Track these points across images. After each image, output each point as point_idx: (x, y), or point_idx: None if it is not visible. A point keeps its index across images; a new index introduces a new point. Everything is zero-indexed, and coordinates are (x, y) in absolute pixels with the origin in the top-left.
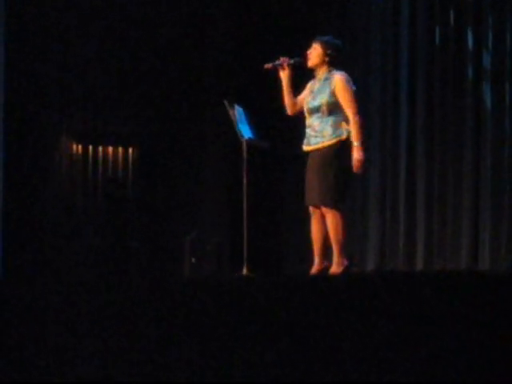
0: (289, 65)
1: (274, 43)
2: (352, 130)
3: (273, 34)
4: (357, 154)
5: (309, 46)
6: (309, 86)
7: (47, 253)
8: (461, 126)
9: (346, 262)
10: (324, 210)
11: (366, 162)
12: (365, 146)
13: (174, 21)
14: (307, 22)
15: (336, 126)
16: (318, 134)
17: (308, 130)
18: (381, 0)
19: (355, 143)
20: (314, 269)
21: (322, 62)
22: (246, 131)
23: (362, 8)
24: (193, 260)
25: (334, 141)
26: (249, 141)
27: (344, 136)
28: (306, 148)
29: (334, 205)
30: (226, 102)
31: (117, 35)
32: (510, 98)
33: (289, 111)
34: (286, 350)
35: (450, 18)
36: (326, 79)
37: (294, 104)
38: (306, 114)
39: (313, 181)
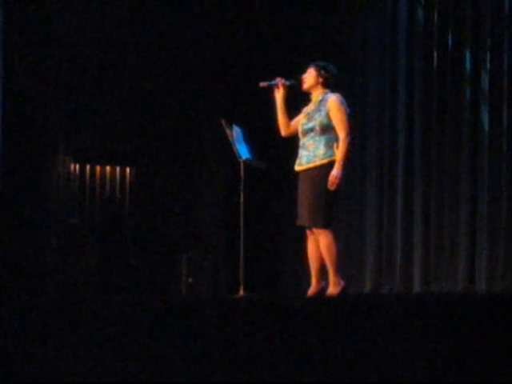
0: (284, 85)
1: (273, 62)
2: (340, 149)
3: (273, 53)
4: (336, 171)
5: (304, 70)
6: (304, 109)
7: (43, 271)
8: (458, 146)
9: (342, 282)
10: (316, 231)
11: (343, 180)
12: (345, 167)
13: (172, 38)
14: (305, 43)
15: (328, 147)
16: (311, 154)
17: (301, 150)
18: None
19: (338, 161)
20: (311, 290)
21: (316, 84)
22: (243, 151)
23: (359, 29)
24: (190, 280)
25: (325, 161)
26: (246, 161)
27: (336, 157)
28: (297, 168)
29: (325, 225)
30: (223, 122)
31: (114, 54)
32: (508, 119)
33: (282, 132)
34: (282, 371)
35: (448, 39)
36: (321, 101)
37: (288, 125)
38: (300, 135)
39: (304, 202)
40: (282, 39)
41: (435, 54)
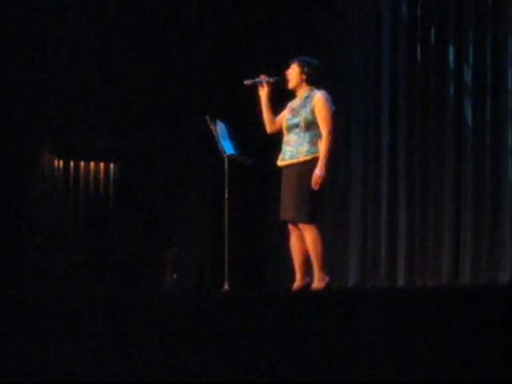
0: (268, 83)
1: (258, 59)
2: (322, 146)
3: (257, 50)
4: (319, 170)
5: (288, 66)
6: (289, 104)
7: (28, 268)
8: (442, 141)
9: (327, 278)
10: (302, 226)
11: (328, 180)
12: (328, 165)
13: (156, 36)
14: (289, 40)
15: (312, 143)
16: (294, 150)
17: (284, 146)
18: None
19: (321, 160)
20: (296, 285)
21: (301, 81)
22: (228, 147)
23: (342, 26)
24: (174, 276)
25: (309, 157)
26: (231, 157)
27: (319, 153)
28: (280, 163)
29: (310, 220)
30: (207, 118)
31: (98, 50)
32: (491, 114)
33: (268, 129)
34: (266, 367)
35: (431, 34)
36: (307, 97)
37: (273, 122)
38: (285, 131)
39: (288, 197)
40: (265, 35)
41: (419, 49)
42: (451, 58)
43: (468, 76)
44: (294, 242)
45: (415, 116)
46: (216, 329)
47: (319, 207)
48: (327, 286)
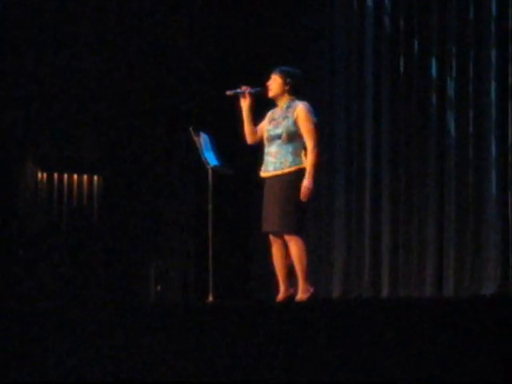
0: (250, 93)
1: (240, 70)
2: (308, 158)
3: (239, 60)
4: (307, 182)
5: (269, 76)
6: (269, 114)
7: (12, 280)
8: (425, 152)
9: (311, 289)
10: (286, 237)
11: (314, 191)
12: (316, 176)
13: (139, 48)
14: (272, 50)
15: (296, 154)
16: (277, 161)
17: (266, 157)
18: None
19: (308, 172)
20: (280, 296)
21: (283, 92)
22: (211, 158)
23: (326, 36)
24: (158, 288)
25: (292, 168)
26: (214, 168)
27: (303, 164)
28: (263, 174)
29: (297, 231)
30: (191, 130)
31: (81, 62)
32: (474, 126)
33: (248, 140)
34: (251, 375)
35: (414, 46)
36: (288, 107)
37: (254, 132)
38: (266, 142)
39: (273, 208)
40: (247, 45)
41: (401, 61)
42: (434, 70)
43: (451, 88)
44: (275, 253)
45: (398, 129)
46: (201, 339)
47: (305, 219)
48: (312, 297)
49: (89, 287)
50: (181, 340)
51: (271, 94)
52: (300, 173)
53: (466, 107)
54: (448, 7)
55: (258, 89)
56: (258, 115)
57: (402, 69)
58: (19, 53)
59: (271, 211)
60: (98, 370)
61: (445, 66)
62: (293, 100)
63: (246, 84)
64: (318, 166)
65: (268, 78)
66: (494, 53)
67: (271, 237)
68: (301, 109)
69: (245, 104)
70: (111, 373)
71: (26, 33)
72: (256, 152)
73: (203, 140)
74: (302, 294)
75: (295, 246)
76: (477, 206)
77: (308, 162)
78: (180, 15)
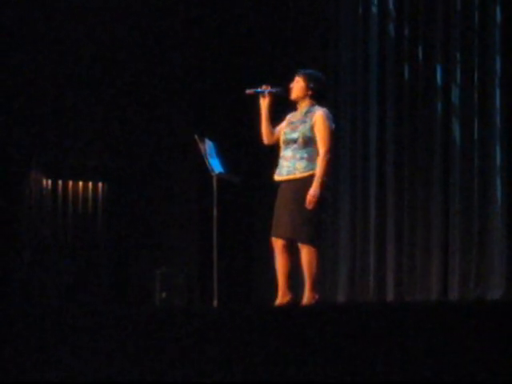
0: (270, 93)
1: (248, 76)
2: (319, 165)
3: (246, 68)
4: (313, 190)
5: (292, 78)
6: (288, 117)
7: (16, 288)
8: (430, 159)
9: (317, 296)
10: (300, 245)
11: (326, 201)
12: (324, 185)
13: (142, 54)
14: (276, 56)
15: (310, 160)
16: (291, 166)
17: (281, 161)
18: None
19: (316, 179)
20: (278, 301)
21: (305, 95)
22: (216, 166)
23: (331, 45)
24: (163, 294)
25: (306, 174)
26: (219, 175)
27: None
28: (277, 178)
29: (310, 240)
30: (196, 136)
31: (84, 68)
32: (479, 134)
33: (265, 140)
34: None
35: (419, 54)
36: (308, 112)
37: (271, 133)
38: (282, 145)
39: (285, 214)
40: (252, 53)
41: (406, 69)
42: (439, 77)
43: (456, 95)
44: (279, 258)
45: (403, 135)
46: (206, 344)
47: (320, 228)
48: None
49: (93, 294)
50: (186, 344)
51: (293, 96)
52: (313, 179)
53: (471, 114)
54: (452, 14)
55: (279, 89)
56: (277, 117)
57: (406, 76)
58: (24, 62)
59: (283, 216)
60: (103, 376)
61: (449, 72)
62: (313, 105)
63: (266, 84)
64: (329, 175)
65: (288, 79)
66: (498, 60)
67: (276, 241)
68: (319, 115)
69: (264, 103)
70: (116, 378)
71: (30, 40)
72: (261, 158)
73: (208, 147)
74: (307, 301)
75: (307, 255)
76: (482, 211)
77: (318, 168)
78: (184, 17)
